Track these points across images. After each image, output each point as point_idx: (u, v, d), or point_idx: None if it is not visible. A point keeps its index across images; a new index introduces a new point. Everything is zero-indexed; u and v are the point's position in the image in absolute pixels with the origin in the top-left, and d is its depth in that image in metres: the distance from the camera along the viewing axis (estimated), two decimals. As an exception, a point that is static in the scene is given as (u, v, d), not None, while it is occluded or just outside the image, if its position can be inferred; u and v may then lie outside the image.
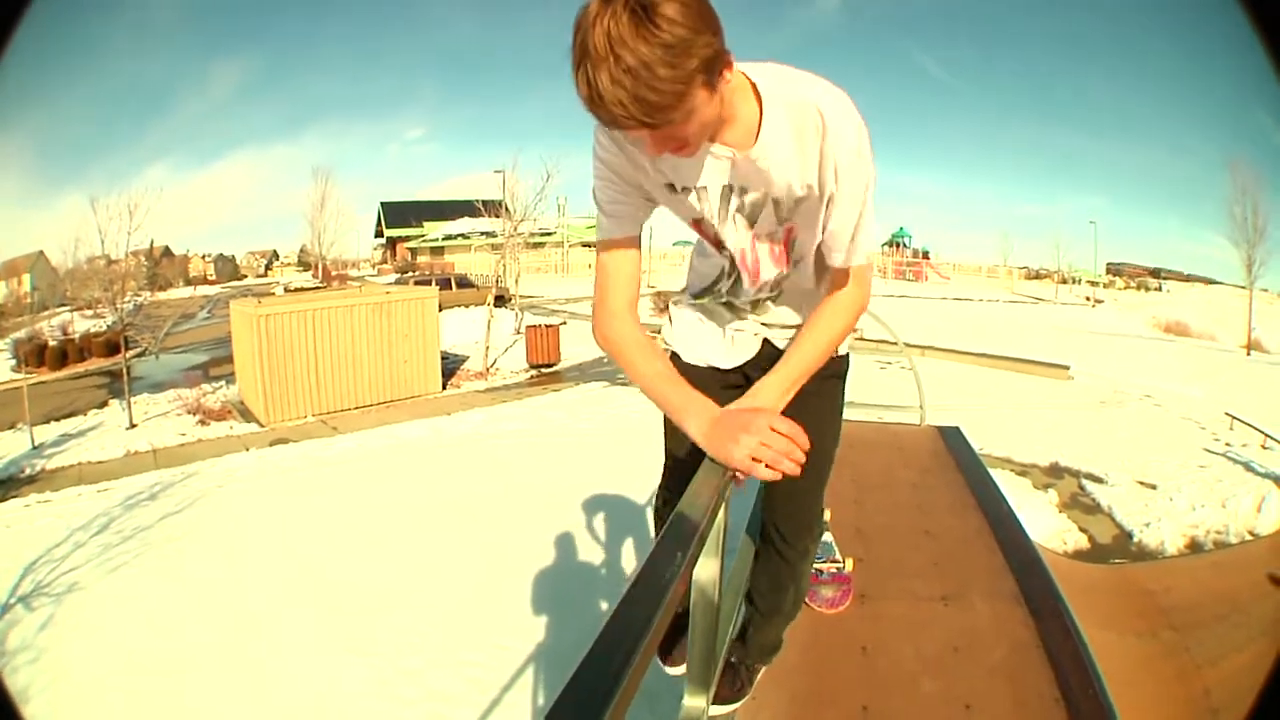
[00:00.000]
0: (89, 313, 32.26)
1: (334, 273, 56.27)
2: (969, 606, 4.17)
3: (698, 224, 2.30)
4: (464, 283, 41.07)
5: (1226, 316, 39.02)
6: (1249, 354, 33.92)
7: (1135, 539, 14.34)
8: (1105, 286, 53.97)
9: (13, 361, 29.25)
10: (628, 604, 1.34)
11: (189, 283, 54.92)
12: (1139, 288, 55.03)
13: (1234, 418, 20.39)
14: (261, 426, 22.29)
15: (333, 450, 19.83)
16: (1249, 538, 14.13)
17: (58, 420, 23.14)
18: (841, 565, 4.40)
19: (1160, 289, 54.10)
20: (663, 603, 1.35)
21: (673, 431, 2.60)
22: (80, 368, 29.84)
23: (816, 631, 3.94)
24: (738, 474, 2.04)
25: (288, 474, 17.98)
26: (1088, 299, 48.71)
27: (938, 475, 6.32)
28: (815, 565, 4.23)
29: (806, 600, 3.95)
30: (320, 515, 15.05)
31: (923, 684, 3.59)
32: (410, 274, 49.53)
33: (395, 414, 23.08)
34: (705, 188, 2.15)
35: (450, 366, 27.36)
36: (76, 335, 31.78)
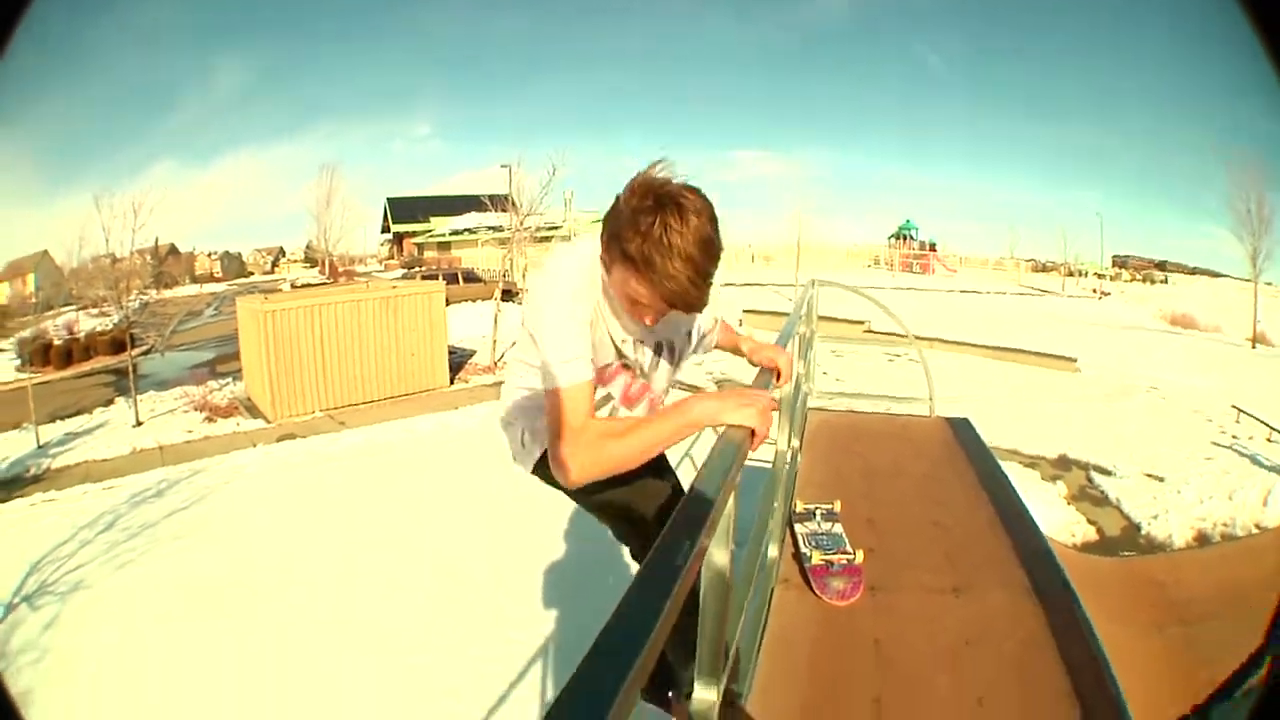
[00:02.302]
0: (94, 311, 32.09)
1: (340, 269, 56.36)
2: (981, 598, 4.19)
3: (606, 367, 2.77)
4: (471, 277, 41.35)
5: (1232, 309, 39.06)
6: (1254, 347, 34.00)
7: (1144, 531, 14.37)
8: (1111, 279, 53.97)
9: (17, 361, 29.24)
10: (640, 589, 1.33)
11: (195, 280, 54.99)
12: (1145, 280, 54.97)
13: (1240, 410, 20.44)
14: (268, 422, 22.24)
15: (340, 445, 19.82)
16: (1255, 530, 14.20)
17: (63, 419, 23.05)
18: (852, 557, 4.42)
19: (1166, 281, 54.07)
20: (674, 589, 1.32)
21: (638, 494, 2.98)
22: (86, 366, 29.64)
23: (828, 624, 3.96)
24: (754, 434, 2.35)
25: (295, 470, 17.97)
26: (1094, 291, 48.63)
27: (948, 466, 6.34)
28: (826, 557, 4.33)
29: (817, 592, 4.09)
30: (328, 510, 15.06)
31: (935, 677, 3.61)
32: (417, 269, 49.51)
33: (403, 409, 23.04)
34: (640, 341, 2.81)
35: (458, 361, 27.47)
36: (82, 334, 31.64)
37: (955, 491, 5.74)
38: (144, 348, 29.09)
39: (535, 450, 2.93)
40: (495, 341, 28.34)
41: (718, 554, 2.10)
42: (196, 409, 23.20)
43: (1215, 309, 39.10)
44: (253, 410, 23.35)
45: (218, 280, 57.21)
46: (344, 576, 12.17)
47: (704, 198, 2.36)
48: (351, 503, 15.41)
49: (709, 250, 2.32)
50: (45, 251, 34.03)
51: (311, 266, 60.00)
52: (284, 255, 67.72)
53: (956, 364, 24.51)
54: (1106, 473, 16.82)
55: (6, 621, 11.49)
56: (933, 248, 58.73)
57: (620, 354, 2.78)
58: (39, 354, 29.79)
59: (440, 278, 33.50)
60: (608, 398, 2.84)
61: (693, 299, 2.35)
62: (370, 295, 24.97)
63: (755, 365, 3.28)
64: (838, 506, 4.97)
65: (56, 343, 30.87)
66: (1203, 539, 14.14)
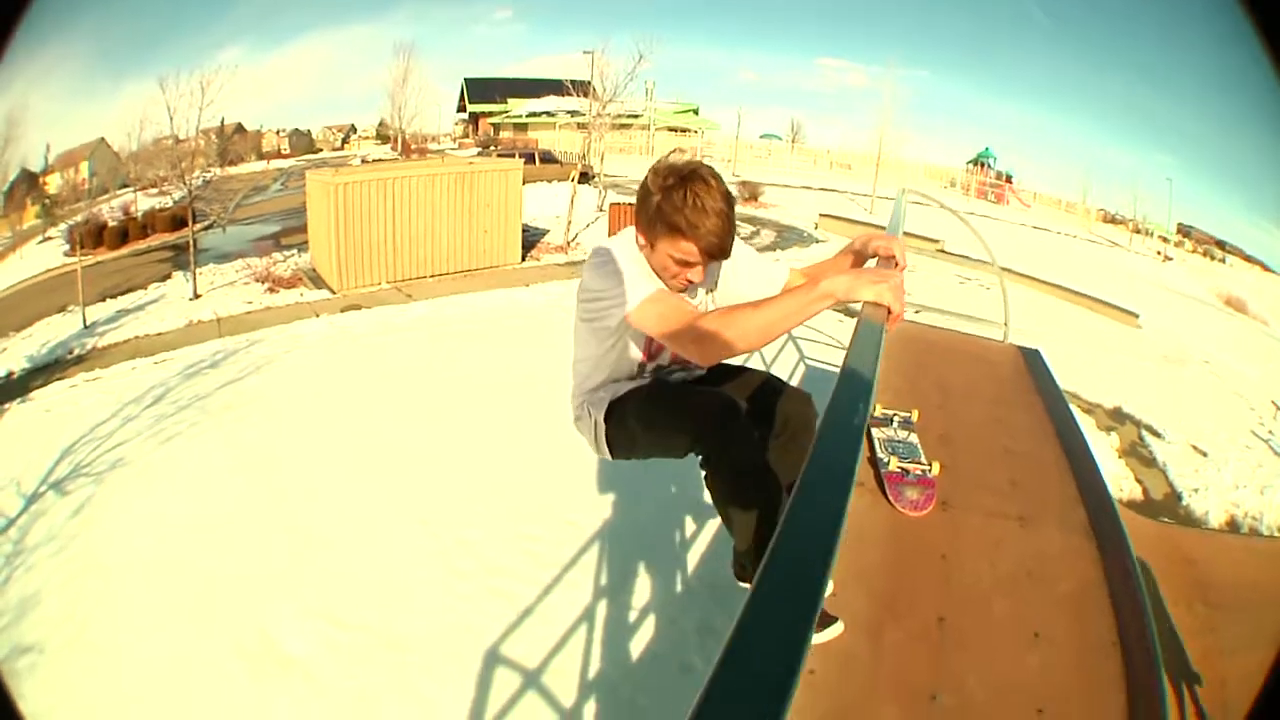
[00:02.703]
0: (153, 191, 31.75)
1: (414, 146, 55.83)
2: (1042, 532, 4.20)
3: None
4: (548, 158, 40.66)
5: (1278, 309, 38.29)
6: (1299, 353, 32.96)
7: (1184, 502, 14.44)
8: (1176, 245, 52.69)
9: (65, 247, 28.83)
10: (824, 445, 1.41)
11: (262, 157, 54.65)
12: (1205, 254, 53.51)
13: (1279, 408, 20.18)
14: (333, 293, 22.13)
15: (406, 317, 19.75)
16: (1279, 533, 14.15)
17: (114, 297, 22.83)
18: (927, 468, 4.39)
19: (1224, 261, 52.57)
20: (858, 449, 1.40)
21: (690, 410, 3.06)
22: (142, 244, 29.32)
23: (898, 533, 4.01)
24: (890, 309, 2.48)
25: (358, 340, 17.90)
26: (1158, 253, 47.60)
27: (1019, 395, 6.34)
28: (902, 464, 4.33)
29: (891, 500, 4.10)
30: (388, 382, 14.90)
31: (995, 603, 3.67)
32: (493, 148, 49.27)
33: (472, 283, 22.92)
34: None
35: (530, 239, 27.23)
36: (139, 213, 31.31)
37: (1025, 420, 5.70)
38: (205, 222, 28.68)
39: (597, 415, 3.26)
40: (570, 222, 28.23)
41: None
42: (258, 280, 23.04)
43: (1266, 302, 38.16)
44: (317, 281, 23.21)
45: (285, 156, 56.69)
46: (400, 448, 11.98)
47: (710, 168, 2.88)
48: (413, 374, 15.26)
49: (730, 205, 2.84)
50: (102, 139, 33.41)
51: (383, 143, 59.40)
52: (355, 132, 67.04)
53: (1023, 296, 23.78)
54: (1157, 435, 16.77)
55: (30, 512, 11.32)
56: (1009, 179, 57.49)
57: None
58: (91, 236, 28.83)
59: (517, 156, 32.99)
60: (670, 367, 3.34)
61: (727, 245, 2.86)
62: (446, 170, 24.74)
63: (872, 255, 3.25)
64: (915, 416, 4.89)
65: (111, 223, 30.16)
66: (1233, 524, 14.18)
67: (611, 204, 28.79)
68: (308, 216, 25.31)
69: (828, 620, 3.20)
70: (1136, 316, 25.82)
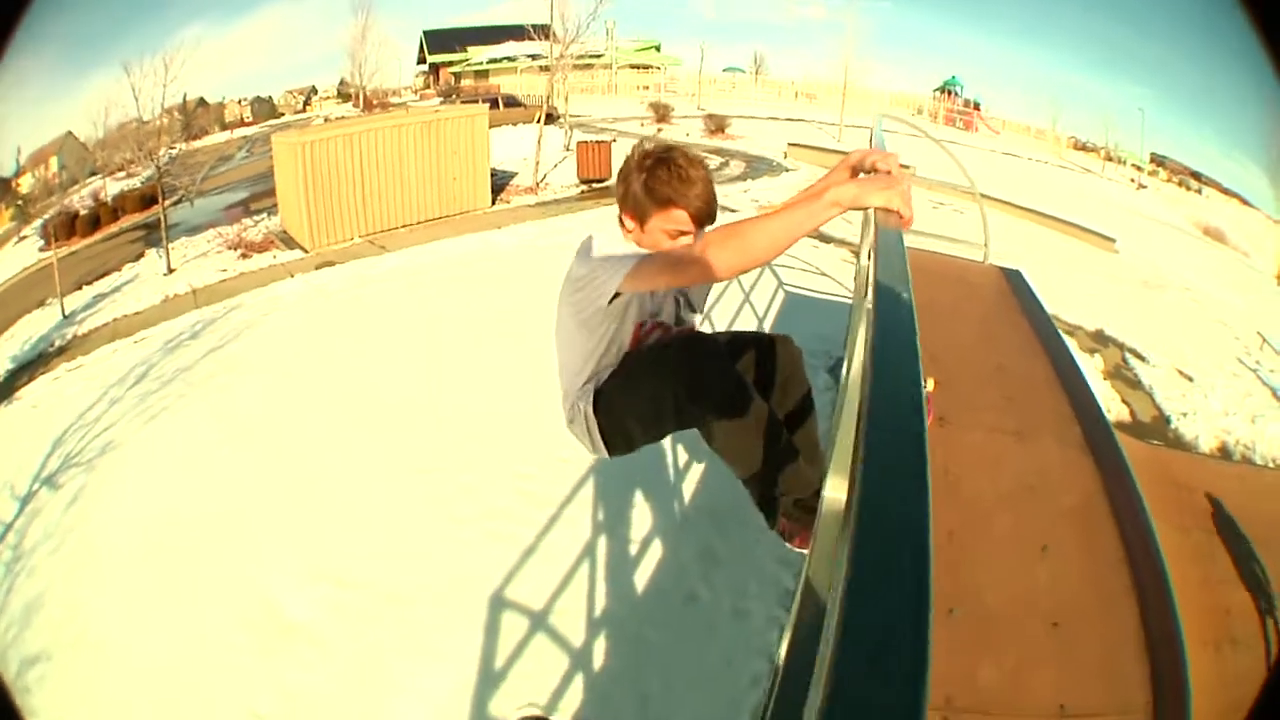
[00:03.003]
0: (121, 175, 31.66)
1: (375, 102, 55.47)
2: (1039, 447, 4.37)
3: (641, 325, 3.23)
4: (512, 102, 40.33)
5: (1260, 241, 38.11)
6: (1280, 286, 32.87)
7: (1172, 425, 14.63)
8: (1150, 174, 52.38)
9: (41, 243, 28.66)
10: (883, 372, 1.42)
11: (225, 128, 54.23)
12: (1180, 184, 53.19)
13: (1265, 340, 20.14)
14: (306, 253, 22.26)
15: (381, 268, 19.87)
16: (1271, 465, 14.25)
17: (90, 283, 22.81)
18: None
19: (1200, 192, 52.24)
20: (918, 371, 1.42)
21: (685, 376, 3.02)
22: (114, 227, 29.06)
23: None
24: (901, 214, 2.45)
25: (335, 296, 17.91)
26: (1132, 181, 47.39)
27: (1004, 314, 6.55)
28: None
29: None
30: (370, 334, 14.92)
31: (1000, 517, 3.81)
32: (455, 97, 49.15)
33: (445, 230, 23.07)
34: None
35: (499, 183, 27.39)
36: (109, 198, 31.15)
37: (1013, 339, 5.89)
38: (175, 198, 28.54)
39: (586, 408, 3.24)
40: (538, 163, 28.40)
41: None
42: (231, 248, 23.19)
43: (1244, 235, 38.06)
44: (289, 243, 23.29)
45: (248, 125, 56.31)
46: (388, 398, 11.99)
47: (679, 146, 3.08)
48: (393, 324, 15.29)
49: (708, 173, 3.02)
50: (69, 133, 33.11)
51: (345, 102, 58.94)
52: (316, 94, 66.44)
53: (998, 221, 23.71)
54: (1140, 358, 16.93)
55: (26, 513, 11.24)
56: (976, 107, 57.36)
57: (652, 313, 3.25)
58: (64, 227, 28.58)
59: (480, 103, 32.93)
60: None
61: (714, 209, 3.01)
62: (411, 121, 25.10)
63: (869, 170, 3.07)
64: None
65: (82, 212, 29.94)
66: (1225, 451, 14.28)
67: (579, 143, 29.07)
68: (276, 180, 25.33)
69: None
70: (1113, 241, 25.97)
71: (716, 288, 3.53)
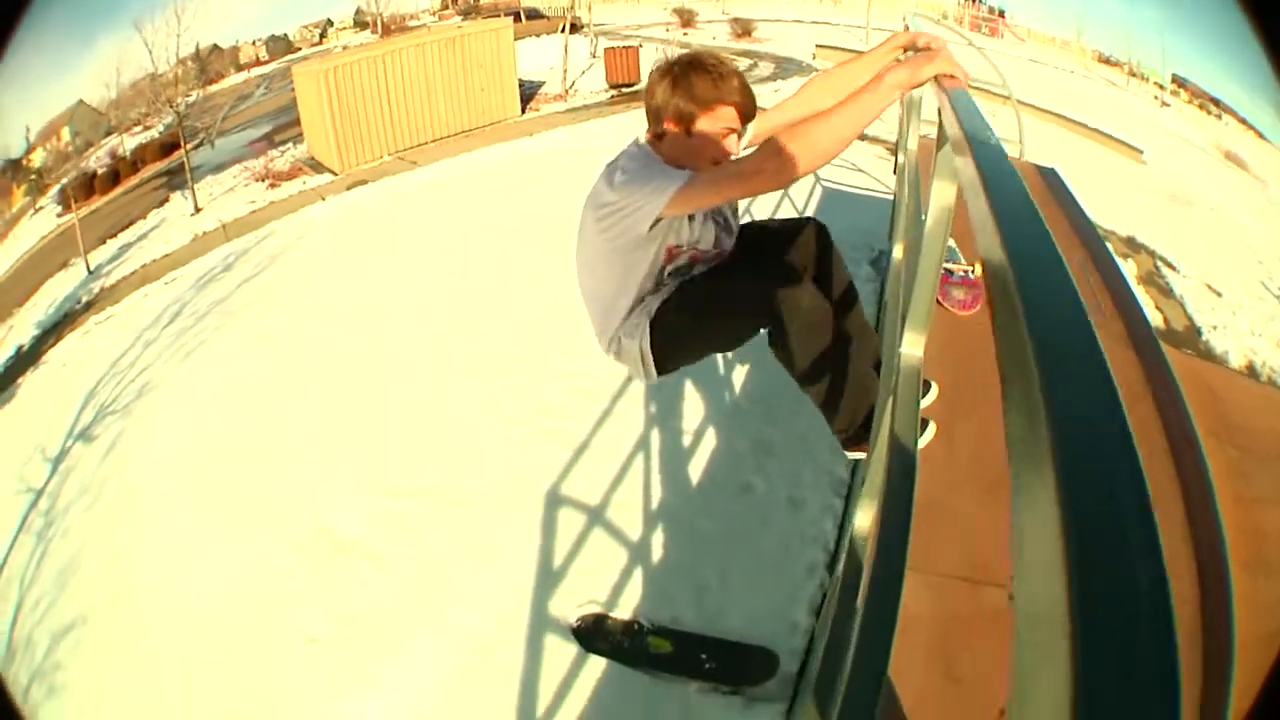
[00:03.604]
0: (138, 129, 31.67)
1: (393, 27, 55.14)
2: None
3: (678, 248, 3.17)
4: (534, 14, 40.68)
5: (1276, 175, 37.43)
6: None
7: (1203, 337, 14.81)
8: (1172, 94, 51.37)
9: (58, 208, 28.65)
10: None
11: (241, 69, 54.06)
12: (1200, 108, 52.10)
13: None
14: (336, 175, 22.41)
15: (413, 183, 19.88)
16: None
17: (114, 236, 22.98)
18: (970, 269, 4.92)
19: (1220, 119, 51.13)
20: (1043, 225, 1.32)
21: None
22: (134, 179, 28.91)
23: (952, 332, 4.41)
24: (956, 76, 2.50)
25: (369, 213, 17.85)
26: (1156, 98, 46.51)
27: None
28: (946, 265, 4.57)
29: (939, 300, 4.21)
30: (408, 246, 14.83)
31: None
32: (474, 15, 48.89)
33: (475, 141, 23.21)
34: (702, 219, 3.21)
35: (528, 93, 27.62)
36: (127, 153, 31.12)
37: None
38: (196, 141, 28.48)
39: (641, 341, 3.21)
40: (565, 70, 28.64)
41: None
42: (258, 179, 23.43)
43: (1263, 167, 37.37)
44: (317, 168, 23.51)
45: (265, 63, 56.20)
46: (431, 307, 11.85)
47: (701, 49, 3.29)
48: (431, 234, 15.17)
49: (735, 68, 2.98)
50: (79, 101, 33.07)
51: (362, 30, 58.69)
52: (331, 25, 66.18)
53: (1028, 124, 23.43)
54: (1172, 267, 17.06)
55: (59, 472, 11.26)
56: (1001, 14, 56.81)
57: (690, 232, 3.14)
58: (82, 188, 28.47)
59: (502, 16, 33.33)
60: (689, 265, 3.24)
61: (754, 101, 2.98)
62: (434, 38, 25.39)
63: (923, 48, 3.02)
64: (948, 221, 4.75)
65: (100, 171, 30.00)
66: (1252, 371, 14.37)
67: (606, 49, 29.09)
68: (299, 110, 25.41)
69: (924, 424, 3.36)
70: (1141, 153, 25.88)
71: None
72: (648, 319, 3.17)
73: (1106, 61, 54.17)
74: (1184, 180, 25.02)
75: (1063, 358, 0.84)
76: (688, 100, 2.91)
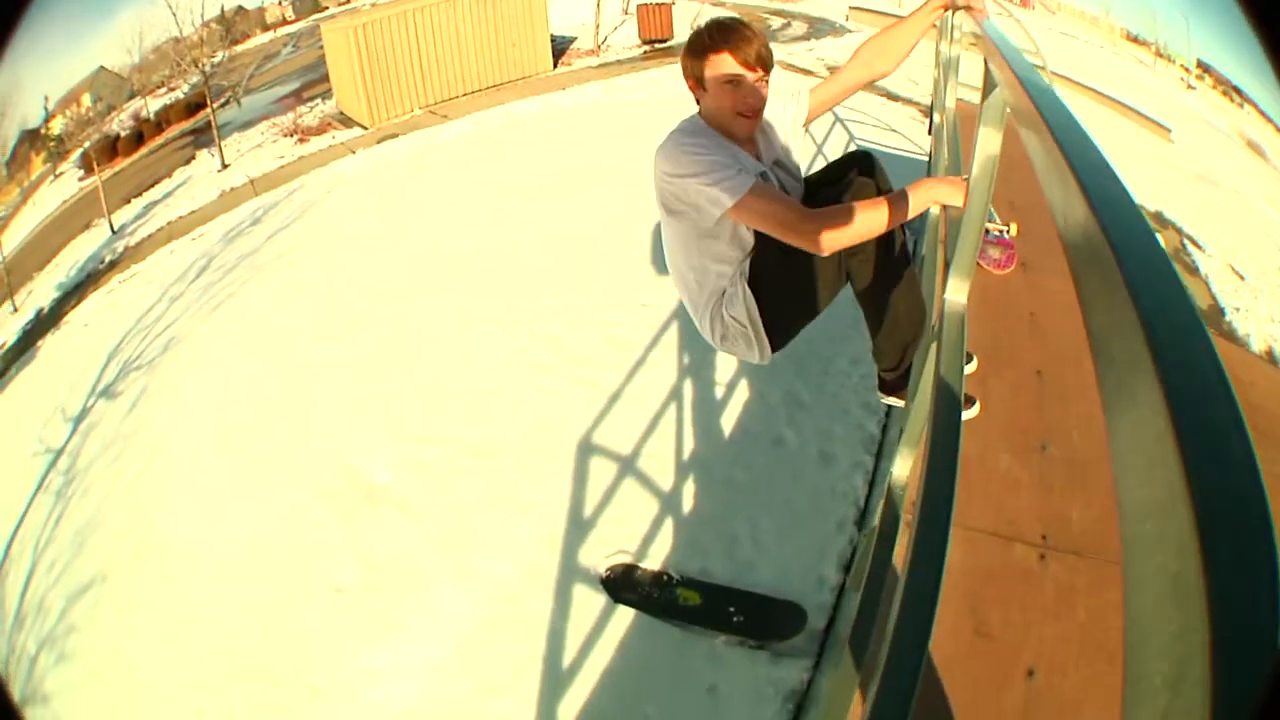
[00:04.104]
0: (162, 90, 31.70)
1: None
2: None
3: None
4: None
5: None
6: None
7: (1226, 318, 14.73)
8: (1197, 79, 50.98)
9: (80, 173, 28.63)
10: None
11: (267, 29, 53.99)
12: (1224, 95, 51.57)
13: None
14: (366, 129, 22.46)
15: (445, 135, 19.83)
16: None
17: (139, 195, 23.08)
18: (1006, 229, 5.03)
19: (1242, 107, 50.62)
20: None
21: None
22: (159, 139, 29.07)
23: (986, 290, 4.57)
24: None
25: (400, 165, 17.80)
26: (1182, 80, 46.16)
27: None
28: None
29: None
30: (440, 197, 14.76)
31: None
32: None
33: (507, 95, 23.27)
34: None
35: (559, 47, 27.67)
36: (151, 115, 31.11)
37: None
38: (222, 99, 28.50)
39: (751, 312, 3.24)
40: (598, 26, 28.64)
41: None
42: (286, 135, 23.54)
43: None
44: (347, 122, 23.61)
45: (291, 22, 56.17)
46: (465, 257, 11.82)
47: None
48: (463, 186, 15.11)
49: (753, 29, 3.04)
50: (100, 68, 33.07)
51: (390, -15, 58.45)
52: (359, -18, 65.94)
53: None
54: (1198, 246, 17.13)
55: (80, 431, 11.28)
56: None
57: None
58: (104, 151, 28.32)
59: None
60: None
61: (763, 52, 2.99)
62: None
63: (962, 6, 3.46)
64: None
65: (123, 134, 29.99)
66: (1271, 358, 14.39)
67: (639, 5, 28.91)
68: (329, 66, 25.56)
69: (970, 401, 3.72)
70: (1169, 131, 26.14)
71: (793, 143, 3.41)
72: (744, 286, 3.21)
73: (1134, 40, 53.99)
74: (1209, 162, 25.10)
75: (1166, 322, 0.78)
76: (690, 58, 3.06)
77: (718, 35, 2.98)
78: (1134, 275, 0.83)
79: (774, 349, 3.38)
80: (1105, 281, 0.89)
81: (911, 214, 2.90)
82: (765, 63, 3.00)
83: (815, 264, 3.13)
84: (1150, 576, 0.64)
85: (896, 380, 3.55)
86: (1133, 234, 0.93)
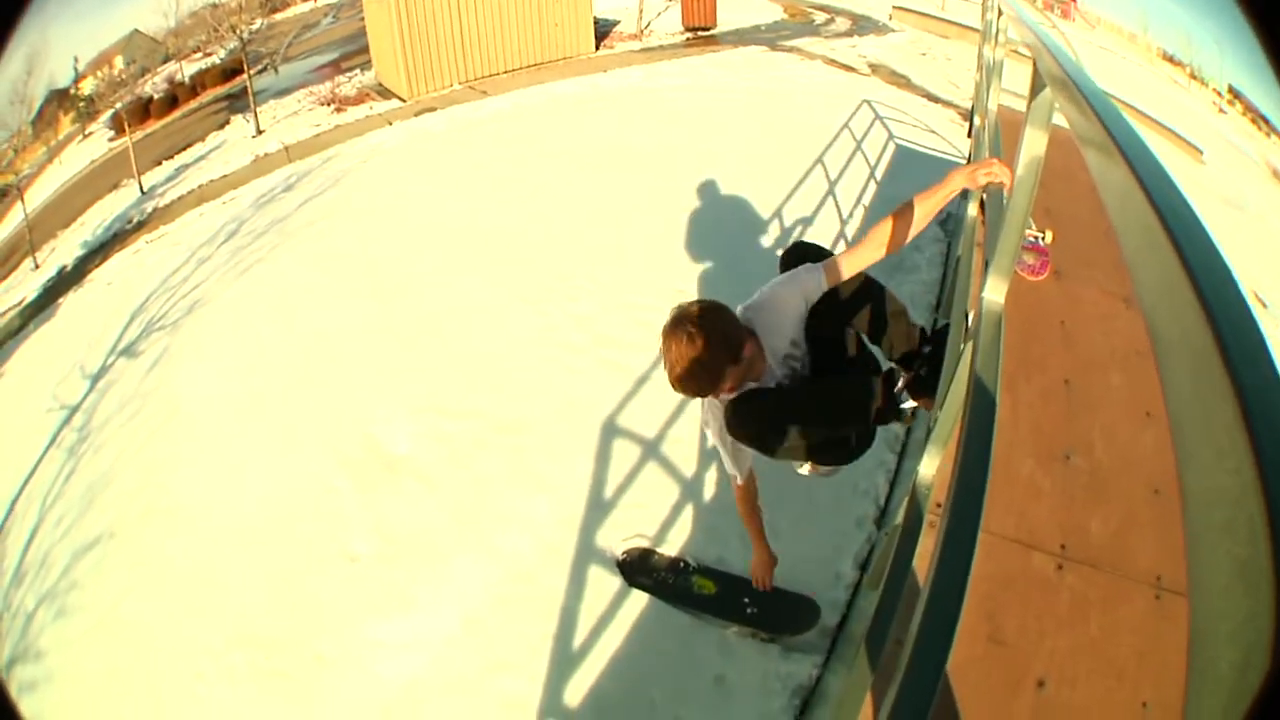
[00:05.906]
0: (197, 55, 31.82)
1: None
2: None
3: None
4: None
5: None
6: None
7: None
8: (1228, 104, 50.81)
9: (110, 133, 28.68)
10: None
11: (306, -1, 53.92)
12: (1254, 123, 51.31)
13: None
14: (404, 101, 22.50)
15: (483, 111, 19.82)
16: None
17: (171, 157, 23.19)
18: (1041, 236, 5.04)
19: (1269, 136, 50.43)
20: None
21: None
22: (194, 103, 29.27)
23: (1018, 296, 4.32)
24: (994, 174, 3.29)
25: (437, 139, 17.76)
26: (1214, 104, 46.01)
27: None
28: None
29: None
30: (475, 172, 14.73)
31: (1111, 375, 4.25)
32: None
33: (547, 74, 23.22)
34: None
35: (602, 30, 27.72)
36: (186, 79, 31.21)
37: None
38: (259, 66, 28.57)
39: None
40: (641, 10, 28.73)
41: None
42: (323, 104, 23.59)
43: None
44: (385, 94, 23.65)
45: (332, -8, 56.03)
46: (497, 233, 11.84)
47: (692, 311, 3.34)
48: (499, 162, 15.09)
49: (697, 346, 3.24)
50: (134, 30, 33.19)
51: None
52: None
53: None
54: None
55: (96, 389, 11.30)
56: None
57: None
58: (136, 113, 28.54)
59: None
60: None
61: (688, 387, 3.35)
62: None
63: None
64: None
65: (156, 96, 30.08)
66: None
67: None
68: (369, 37, 25.62)
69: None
70: (1201, 152, 26.31)
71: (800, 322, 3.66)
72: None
73: (1170, 60, 53.97)
74: (1238, 186, 25.16)
75: (1230, 316, 0.84)
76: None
77: (668, 370, 3.39)
78: (1198, 270, 0.89)
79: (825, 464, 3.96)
80: (1165, 274, 0.90)
81: (944, 201, 3.49)
82: (690, 393, 3.45)
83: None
84: (1218, 564, 0.68)
85: (919, 383, 3.58)
86: (1189, 224, 1.01)
